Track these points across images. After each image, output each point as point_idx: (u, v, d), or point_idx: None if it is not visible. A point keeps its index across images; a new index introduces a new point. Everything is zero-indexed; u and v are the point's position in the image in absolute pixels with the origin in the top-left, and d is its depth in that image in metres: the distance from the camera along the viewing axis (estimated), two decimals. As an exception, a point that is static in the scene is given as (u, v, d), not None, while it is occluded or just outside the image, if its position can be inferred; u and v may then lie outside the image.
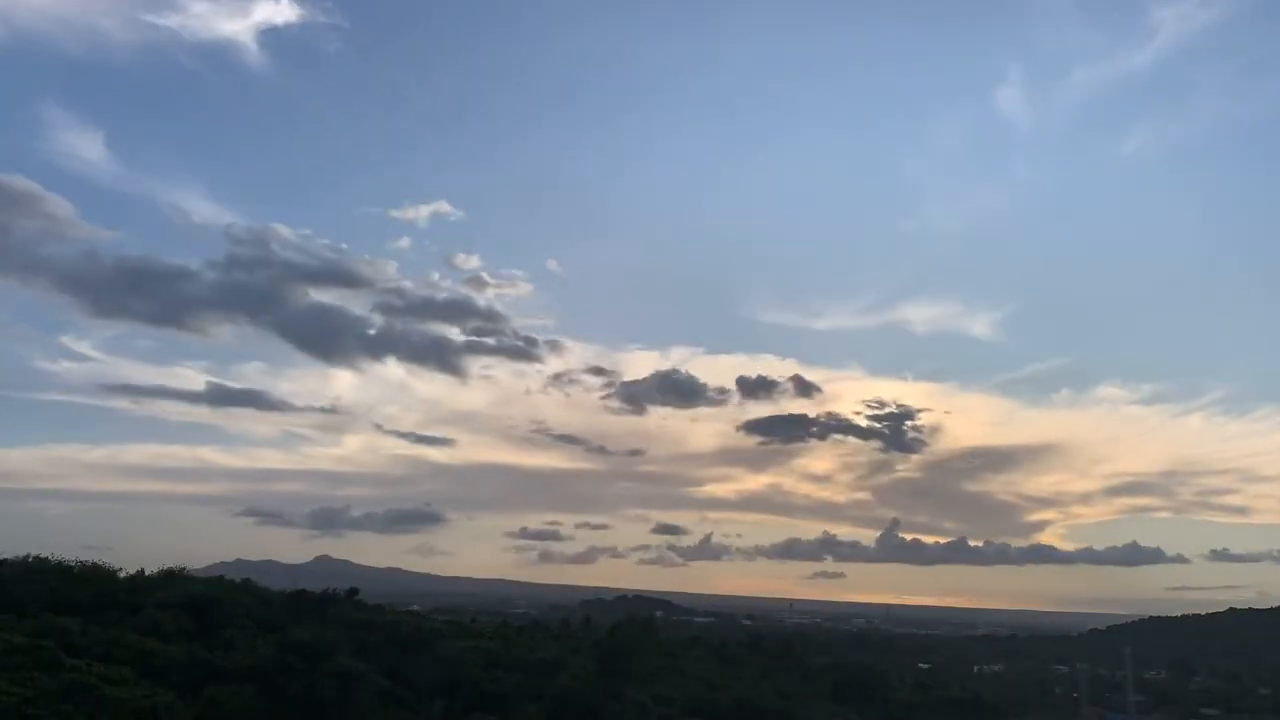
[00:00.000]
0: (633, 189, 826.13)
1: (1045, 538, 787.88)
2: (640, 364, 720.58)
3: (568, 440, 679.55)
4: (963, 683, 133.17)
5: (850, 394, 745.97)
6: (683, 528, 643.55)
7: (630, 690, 65.96)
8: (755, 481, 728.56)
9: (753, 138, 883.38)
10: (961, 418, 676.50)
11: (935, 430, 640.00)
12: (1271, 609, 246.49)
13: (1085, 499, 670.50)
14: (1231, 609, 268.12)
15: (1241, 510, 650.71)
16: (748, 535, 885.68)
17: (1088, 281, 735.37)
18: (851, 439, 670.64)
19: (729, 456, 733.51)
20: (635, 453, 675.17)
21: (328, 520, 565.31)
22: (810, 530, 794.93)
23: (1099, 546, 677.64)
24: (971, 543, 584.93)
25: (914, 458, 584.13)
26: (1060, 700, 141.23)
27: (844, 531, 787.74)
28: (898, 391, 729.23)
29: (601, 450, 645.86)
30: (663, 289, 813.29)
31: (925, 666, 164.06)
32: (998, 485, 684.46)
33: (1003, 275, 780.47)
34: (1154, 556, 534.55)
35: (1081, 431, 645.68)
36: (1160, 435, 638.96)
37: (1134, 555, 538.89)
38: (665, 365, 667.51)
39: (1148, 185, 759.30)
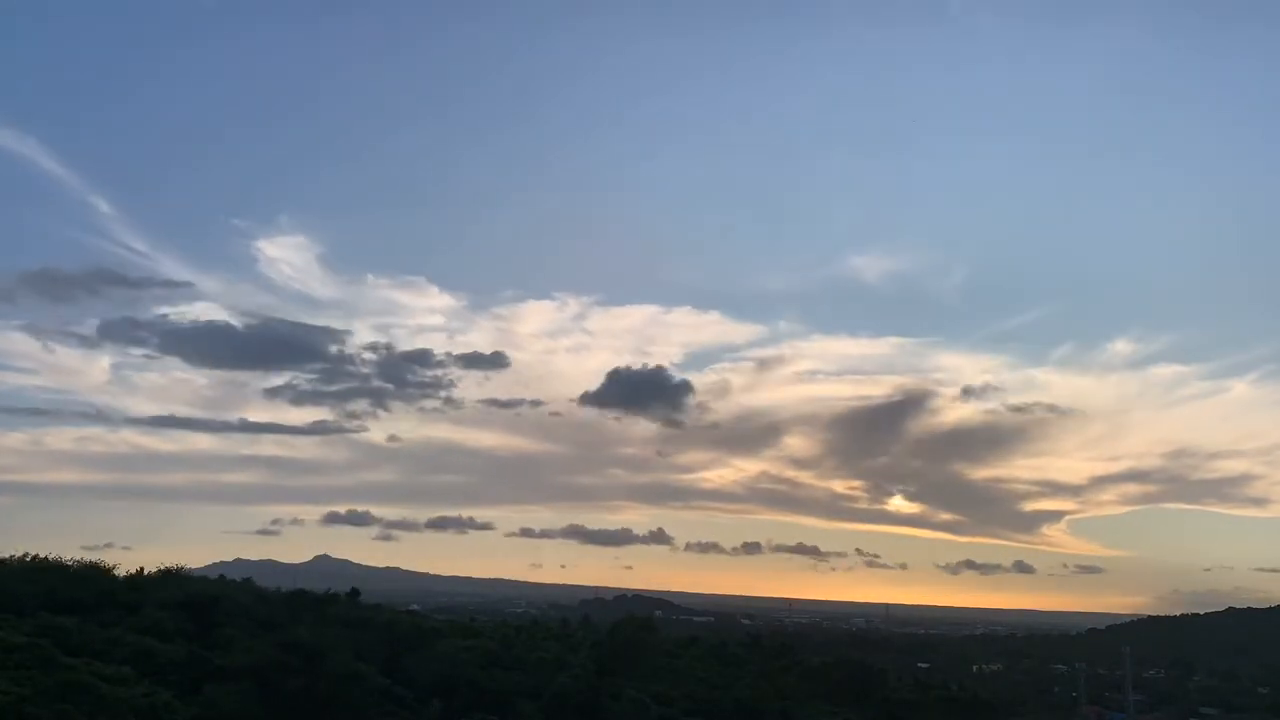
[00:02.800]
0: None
1: (1045, 532, 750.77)
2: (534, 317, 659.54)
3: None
4: (962, 682, 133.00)
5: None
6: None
7: (630, 690, 65.93)
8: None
9: (660, 58, 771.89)
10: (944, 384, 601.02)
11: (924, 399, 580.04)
12: (1271, 609, 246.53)
13: (1085, 491, 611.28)
14: (1231, 609, 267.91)
15: (1259, 502, 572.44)
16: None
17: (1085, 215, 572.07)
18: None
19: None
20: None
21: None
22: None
23: (1100, 544, 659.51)
24: (971, 540, 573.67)
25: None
26: (1060, 700, 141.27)
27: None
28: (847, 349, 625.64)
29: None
30: (562, 232, 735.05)
31: (924, 666, 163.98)
32: (988, 470, 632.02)
33: (972, 214, 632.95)
34: (1158, 556, 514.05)
35: (1085, 398, 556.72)
36: (1176, 405, 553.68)
37: (1135, 553, 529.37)
38: (563, 317, 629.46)
39: (1154, 86, 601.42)
